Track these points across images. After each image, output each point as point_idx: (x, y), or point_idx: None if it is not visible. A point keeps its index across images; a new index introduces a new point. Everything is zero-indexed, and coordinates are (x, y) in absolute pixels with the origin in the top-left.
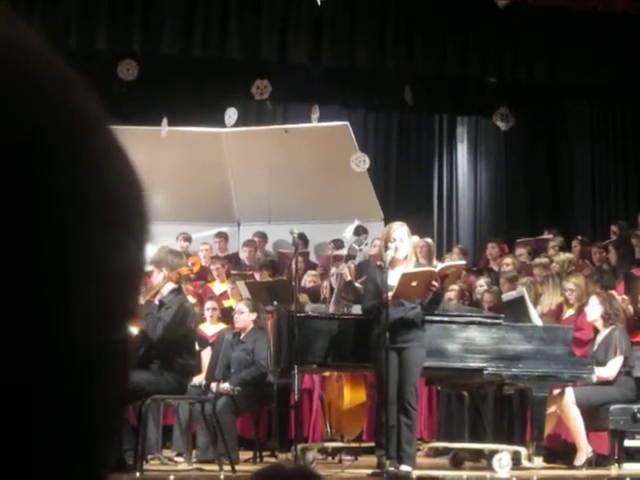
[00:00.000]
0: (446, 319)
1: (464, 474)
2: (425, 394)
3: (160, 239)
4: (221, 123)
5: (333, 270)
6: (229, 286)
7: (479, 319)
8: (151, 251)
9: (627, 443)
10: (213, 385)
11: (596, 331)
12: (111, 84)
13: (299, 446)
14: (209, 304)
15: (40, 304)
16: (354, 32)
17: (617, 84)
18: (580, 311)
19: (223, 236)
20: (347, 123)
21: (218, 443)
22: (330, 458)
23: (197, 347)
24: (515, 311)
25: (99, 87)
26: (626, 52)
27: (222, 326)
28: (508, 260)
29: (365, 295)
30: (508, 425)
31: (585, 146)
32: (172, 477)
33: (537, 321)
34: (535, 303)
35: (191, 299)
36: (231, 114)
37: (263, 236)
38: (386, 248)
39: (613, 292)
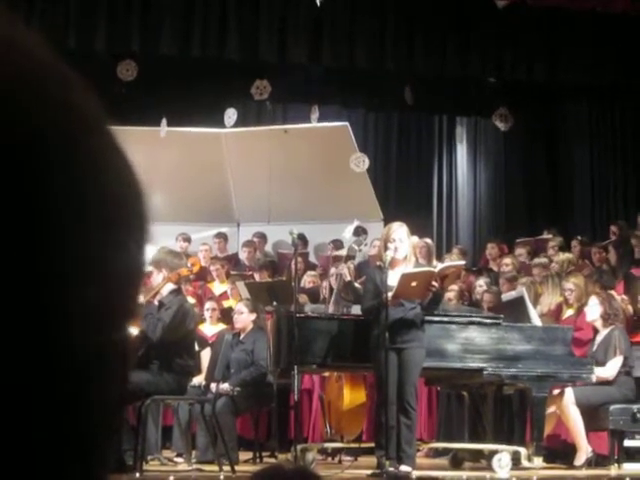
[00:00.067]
0: (446, 319)
1: (464, 474)
2: (425, 394)
3: (160, 240)
4: (220, 123)
5: (333, 270)
6: (229, 286)
7: (479, 319)
8: (151, 252)
9: (627, 443)
10: (213, 385)
11: (596, 331)
12: (110, 84)
13: (299, 446)
14: (209, 304)
15: (39, 304)
16: (354, 32)
17: (616, 84)
18: (580, 311)
19: (223, 236)
20: (347, 123)
21: (218, 443)
22: (330, 458)
23: (197, 347)
24: (515, 311)
25: (98, 87)
26: (625, 52)
27: (222, 326)
28: (507, 260)
29: (365, 295)
30: (508, 425)
31: (584, 146)
32: (172, 477)
33: (537, 321)
34: (535, 303)
35: (191, 300)
36: (230, 114)
37: (263, 236)
38: (386, 248)
39: (613, 292)
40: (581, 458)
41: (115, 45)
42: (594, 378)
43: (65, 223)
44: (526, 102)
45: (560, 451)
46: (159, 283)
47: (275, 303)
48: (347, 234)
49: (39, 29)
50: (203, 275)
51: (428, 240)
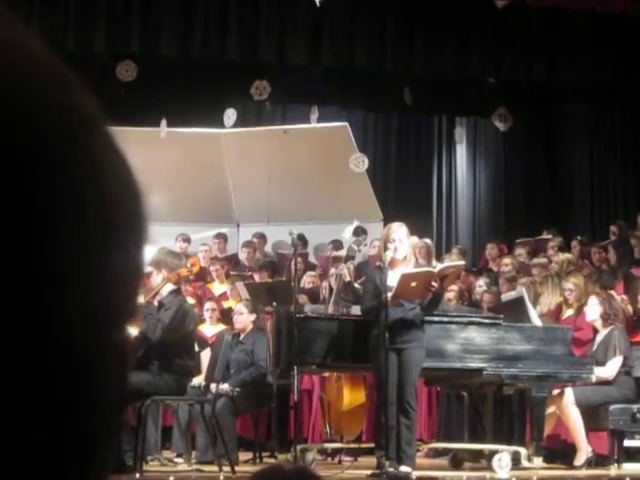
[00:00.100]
0: (445, 319)
1: (464, 475)
2: (425, 395)
3: (159, 240)
4: (220, 124)
5: (332, 271)
6: (228, 287)
7: (478, 319)
8: (150, 252)
9: (627, 443)
10: (212, 386)
11: (595, 331)
12: (110, 85)
13: (299, 447)
14: (208, 305)
15: (38, 304)
16: (353, 32)
17: (616, 85)
18: (579, 311)
19: (222, 237)
20: (346, 124)
21: (217, 444)
22: (330, 459)
23: (196, 348)
24: (514, 311)
25: (98, 88)
26: (625, 53)
27: (221, 327)
28: (507, 260)
29: (364, 296)
30: (508, 425)
31: (584, 147)
32: (172, 478)
33: (536, 321)
34: (534, 303)
35: (190, 300)
36: (230, 115)
37: (262, 237)
38: (385, 249)
39: (612, 292)
40: (581, 458)
41: (114, 46)
42: (594, 378)
43: (64, 223)
44: (525, 102)
45: (560, 451)
46: (159, 283)
47: (275, 303)
48: (347, 234)
49: (38, 30)
50: (203, 275)
51: (428, 240)
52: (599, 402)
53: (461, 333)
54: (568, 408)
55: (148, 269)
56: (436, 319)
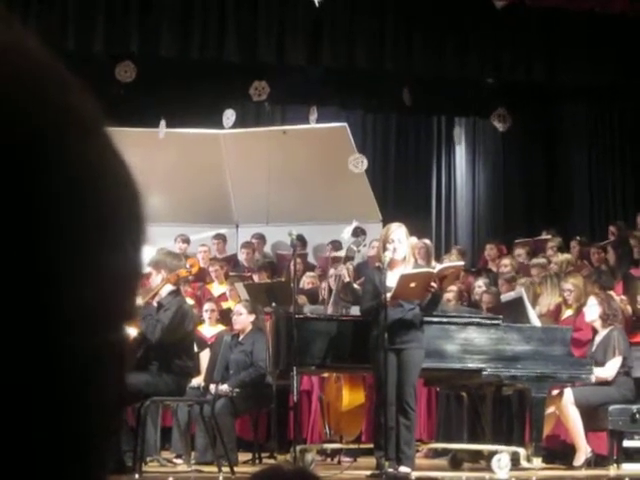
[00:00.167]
0: (445, 320)
1: (463, 475)
2: (424, 395)
3: (158, 241)
4: (219, 124)
5: (332, 271)
6: (228, 288)
7: (478, 320)
8: (149, 253)
9: (626, 443)
10: (212, 387)
11: (595, 332)
12: (109, 86)
13: (298, 447)
14: (207, 306)
15: (36, 305)
16: (353, 33)
17: (615, 85)
18: (579, 312)
19: (221, 238)
20: (345, 124)
21: (217, 445)
22: (329, 459)
23: (196, 349)
24: (514, 312)
25: (97, 89)
26: (624, 53)
27: (221, 328)
28: (506, 261)
29: (364, 296)
30: (507, 426)
31: (583, 147)
32: (171, 479)
33: (536, 322)
34: (534, 304)
35: (189, 301)
36: (229, 115)
37: (261, 237)
38: (384, 249)
39: (612, 292)
40: (580, 458)
41: (113, 46)
42: (593, 378)
43: (62, 224)
44: (524, 103)
45: (559, 451)
46: (158, 284)
47: (274, 304)
48: (346, 235)
49: (37, 30)
50: (202, 276)
51: (427, 241)
52: (598, 402)
53: (460, 333)
54: (567, 408)
55: (147, 270)
56: (435, 319)
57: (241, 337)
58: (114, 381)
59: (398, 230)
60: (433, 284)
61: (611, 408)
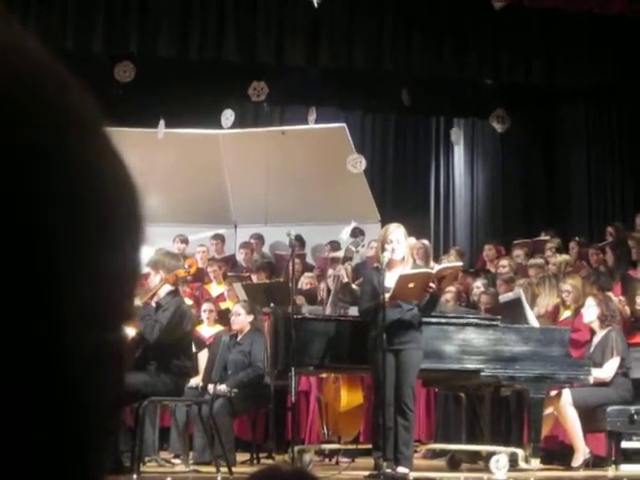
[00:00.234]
0: (443, 321)
1: (461, 476)
2: (422, 396)
3: (157, 241)
4: (218, 125)
5: (330, 272)
6: (226, 288)
7: (476, 321)
8: (148, 253)
9: (624, 444)
10: (210, 387)
11: (593, 332)
12: (108, 86)
13: (296, 448)
14: (206, 306)
15: (35, 305)
16: (351, 33)
17: (613, 86)
18: (577, 312)
19: (220, 238)
20: (344, 125)
21: (215, 445)
22: (327, 460)
23: (194, 349)
24: (512, 312)
25: (96, 89)
26: (622, 54)
27: (219, 328)
28: (505, 262)
29: (362, 297)
30: (505, 427)
31: (581, 148)
32: (169, 479)
33: (534, 322)
34: (532, 304)
35: (188, 301)
36: (228, 116)
37: (260, 238)
38: (383, 250)
39: (610, 293)
40: (578, 459)
41: (112, 47)
42: (591, 379)
43: (62, 223)
44: (523, 103)
45: (557, 452)
46: (156, 284)
47: (272, 304)
48: (344, 235)
49: (36, 31)
50: (200, 276)
51: (425, 241)
52: (596, 403)
53: (459, 334)
54: (566, 409)
55: (146, 270)
56: (434, 320)
57: (239, 337)
58: (112, 381)
59: (397, 230)
60: (431, 285)
61: (609, 409)
